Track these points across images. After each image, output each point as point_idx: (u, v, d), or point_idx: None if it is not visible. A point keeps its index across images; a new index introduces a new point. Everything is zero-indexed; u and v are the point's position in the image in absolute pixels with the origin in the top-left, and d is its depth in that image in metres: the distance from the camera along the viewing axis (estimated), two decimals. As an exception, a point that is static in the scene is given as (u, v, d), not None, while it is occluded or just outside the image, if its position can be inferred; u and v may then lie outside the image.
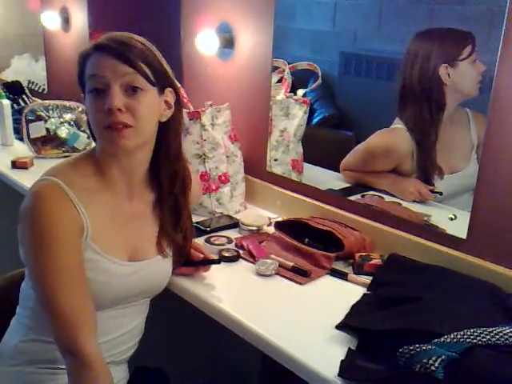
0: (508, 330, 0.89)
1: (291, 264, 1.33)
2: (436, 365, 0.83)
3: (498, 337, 0.88)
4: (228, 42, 1.79)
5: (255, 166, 1.77)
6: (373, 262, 1.33)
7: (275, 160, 1.74)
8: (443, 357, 0.84)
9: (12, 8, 3.26)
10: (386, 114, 1.46)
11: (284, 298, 1.23)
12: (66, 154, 2.17)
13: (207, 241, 1.45)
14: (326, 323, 1.09)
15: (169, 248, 1.20)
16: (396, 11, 1.41)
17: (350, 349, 1.00)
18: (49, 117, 2.20)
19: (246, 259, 1.39)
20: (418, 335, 0.92)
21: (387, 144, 1.51)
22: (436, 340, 0.89)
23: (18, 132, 2.36)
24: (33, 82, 3.10)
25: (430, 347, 0.86)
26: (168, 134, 1.14)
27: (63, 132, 2.19)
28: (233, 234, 1.53)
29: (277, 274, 1.31)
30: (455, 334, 0.89)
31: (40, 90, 3.05)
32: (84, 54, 1.07)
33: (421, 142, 1.40)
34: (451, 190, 1.36)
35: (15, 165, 2.05)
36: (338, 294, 1.24)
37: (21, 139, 2.30)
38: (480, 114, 1.26)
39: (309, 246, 1.40)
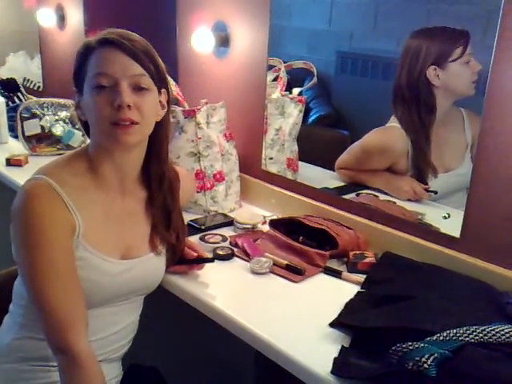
0: (500, 328, 0.89)
1: (285, 262, 1.33)
2: (429, 362, 0.83)
3: (490, 335, 0.88)
4: (223, 41, 1.79)
5: (250, 165, 1.77)
6: (367, 260, 1.34)
7: (270, 158, 1.74)
8: (436, 355, 0.84)
9: (7, 5, 3.25)
10: (382, 113, 1.46)
11: (278, 296, 1.22)
12: (61, 151, 2.16)
13: (202, 239, 1.45)
14: (320, 321, 1.09)
15: (162, 245, 1.20)
16: (392, 10, 1.41)
17: (343, 346, 1.00)
18: (44, 114, 2.19)
19: (240, 257, 1.39)
20: (411, 333, 0.92)
21: (383, 142, 1.51)
22: (429, 338, 0.89)
23: (12, 130, 2.35)
24: (28, 80, 3.09)
25: (422, 345, 0.86)
26: (160, 134, 1.15)
27: (58, 130, 2.19)
28: (227, 232, 1.53)
29: (271, 272, 1.31)
30: (448, 332, 0.89)
31: (35, 88, 3.05)
32: (87, 47, 1.05)
33: (415, 141, 1.40)
34: (445, 188, 1.37)
35: (10, 162, 2.04)
36: (332, 292, 1.24)
37: (15, 137, 2.29)
38: (474, 114, 1.26)
39: (303, 245, 1.40)
